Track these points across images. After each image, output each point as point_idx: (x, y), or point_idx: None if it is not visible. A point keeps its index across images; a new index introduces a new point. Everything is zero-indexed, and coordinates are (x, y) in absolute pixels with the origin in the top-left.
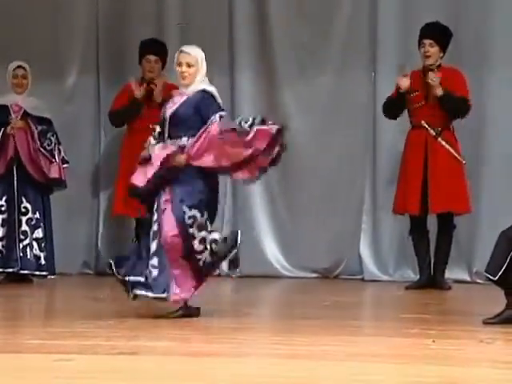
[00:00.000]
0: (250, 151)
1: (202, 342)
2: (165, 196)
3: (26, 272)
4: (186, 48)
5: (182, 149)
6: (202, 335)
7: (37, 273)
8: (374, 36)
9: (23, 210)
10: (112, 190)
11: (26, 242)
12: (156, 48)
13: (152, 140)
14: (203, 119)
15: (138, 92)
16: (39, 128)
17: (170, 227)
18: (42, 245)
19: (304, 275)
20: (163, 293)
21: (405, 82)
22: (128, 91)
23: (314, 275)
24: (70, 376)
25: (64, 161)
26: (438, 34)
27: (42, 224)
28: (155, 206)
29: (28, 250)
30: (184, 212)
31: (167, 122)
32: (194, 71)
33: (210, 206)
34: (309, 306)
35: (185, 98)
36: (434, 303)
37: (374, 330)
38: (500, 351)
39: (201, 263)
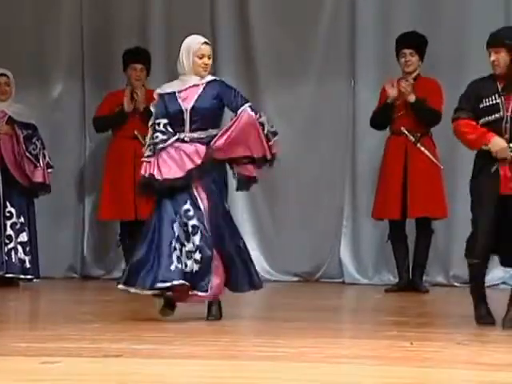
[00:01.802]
0: (262, 153)
1: (186, 345)
2: (199, 192)
3: (11, 275)
4: (204, 39)
5: (209, 141)
6: (186, 338)
7: (22, 276)
8: (353, 45)
9: (7, 214)
10: (97, 194)
11: (11, 245)
12: (141, 56)
13: (160, 135)
14: (224, 108)
15: (128, 106)
16: (24, 133)
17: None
18: (27, 249)
19: (286, 279)
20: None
21: (392, 91)
22: (113, 98)
23: (296, 279)
24: (55, 378)
25: (49, 165)
26: (417, 43)
27: (26, 228)
28: (188, 202)
29: (13, 253)
30: (225, 207)
31: (187, 115)
32: (211, 63)
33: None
34: (290, 308)
35: (199, 89)
36: (413, 306)
37: (353, 332)
38: (477, 353)
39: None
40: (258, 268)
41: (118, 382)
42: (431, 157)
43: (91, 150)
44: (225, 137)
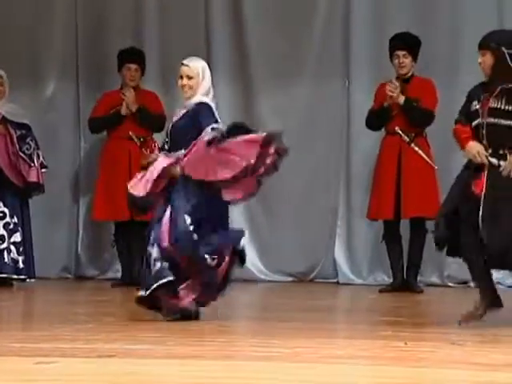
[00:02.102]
0: (239, 169)
1: (180, 345)
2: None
3: (4, 276)
4: (185, 61)
5: (178, 160)
6: (180, 338)
7: (15, 276)
8: (348, 46)
9: (0, 214)
10: (91, 195)
11: (4, 245)
12: (136, 56)
13: (156, 151)
14: (200, 131)
15: (126, 111)
16: (18, 133)
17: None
18: (20, 249)
19: (280, 279)
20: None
21: (395, 90)
22: (109, 99)
23: (290, 279)
24: (50, 379)
25: (42, 165)
26: (410, 44)
27: (19, 228)
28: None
29: (5, 253)
30: (185, 221)
31: (168, 134)
32: (194, 83)
33: (211, 215)
34: (285, 308)
35: (184, 110)
36: (407, 306)
37: (347, 333)
38: (471, 353)
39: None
40: (252, 268)
41: (112, 382)
42: (425, 157)
43: (85, 150)
44: (187, 156)
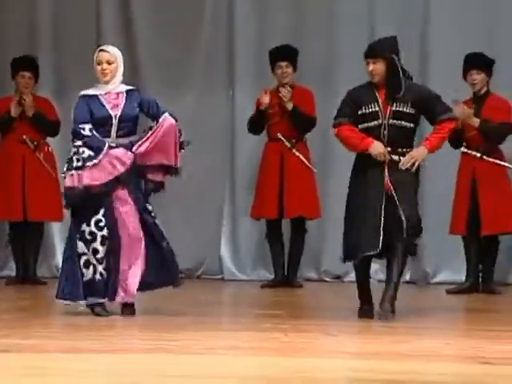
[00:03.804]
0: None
1: (71, 340)
2: (119, 198)
3: None
4: (104, 47)
5: (131, 147)
6: (71, 333)
7: None
8: (232, 56)
9: None
10: None
11: None
12: (29, 64)
13: (87, 151)
14: (147, 116)
15: (15, 111)
16: None
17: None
18: None
19: None
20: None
21: (265, 99)
22: (1, 104)
23: None
24: None
25: None
26: (291, 55)
27: None
28: (103, 209)
29: None
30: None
31: (115, 122)
32: (114, 68)
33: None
34: (173, 303)
35: (123, 97)
36: (287, 300)
37: (231, 326)
38: (344, 343)
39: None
40: None
41: (5, 376)
42: (305, 161)
43: None
44: (147, 143)
